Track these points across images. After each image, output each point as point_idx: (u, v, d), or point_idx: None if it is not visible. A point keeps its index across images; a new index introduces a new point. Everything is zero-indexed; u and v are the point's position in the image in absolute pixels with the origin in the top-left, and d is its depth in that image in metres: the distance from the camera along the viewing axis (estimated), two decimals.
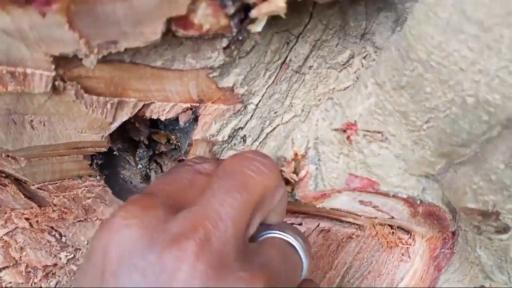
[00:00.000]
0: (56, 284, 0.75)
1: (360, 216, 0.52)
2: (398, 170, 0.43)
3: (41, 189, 0.67)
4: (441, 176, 0.43)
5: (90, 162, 0.63)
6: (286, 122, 0.48)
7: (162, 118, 0.47)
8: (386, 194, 0.44)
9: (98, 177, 0.68)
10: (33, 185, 0.67)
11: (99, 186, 0.69)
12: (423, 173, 0.43)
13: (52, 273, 0.75)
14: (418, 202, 0.44)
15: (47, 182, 0.66)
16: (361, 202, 0.48)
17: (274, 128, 0.48)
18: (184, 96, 0.44)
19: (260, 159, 0.37)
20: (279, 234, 0.37)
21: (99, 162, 0.64)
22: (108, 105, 0.44)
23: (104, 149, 0.56)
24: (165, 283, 0.29)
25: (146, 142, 0.61)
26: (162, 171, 0.69)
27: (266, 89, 0.45)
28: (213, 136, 0.46)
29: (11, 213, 0.75)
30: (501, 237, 0.42)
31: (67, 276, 0.75)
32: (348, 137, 0.43)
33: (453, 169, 0.42)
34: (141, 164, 0.64)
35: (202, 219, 0.31)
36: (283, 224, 0.40)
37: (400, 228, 0.54)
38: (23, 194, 0.69)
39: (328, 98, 0.46)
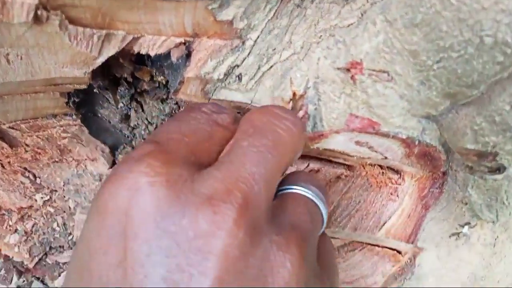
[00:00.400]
0: (33, 226, 0.72)
1: (352, 156, 0.52)
2: (401, 110, 0.42)
3: (13, 128, 0.63)
4: (442, 117, 0.42)
5: (66, 100, 0.59)
6: (284, 60, 0.46)
7: (152, 54, 0.44)
8: (385, 135, 0.44)
9: (74, 116, 0.64)
10: (4, 124, 0.62)
11: (75, 125, 0.66)
12: (425, 113, 0.42)
13: (28, 215, 0.72)
14: (416, 142, 0.44)
15: (19, 121, 0.62)
16: (357, 142, 0.47)
17: (271, 67, 0.46)
18: (177, 30, 0.41)
19: (290, 117, 0.34)
20: (301, 190, 0.36)
21: (76, 100, 0.61)
22: (95, 38, 0.40)
23: (84, 86, 0.53)
24: (199, 250, 0.26)
25: (130, 80, 0.58)
26: (143, 110, 0.66)
27: (266, 23, 0.43)
28: (208, 73, 0.44)
29: None
30: (496, 177, 0.43)
31: (43, 218, 0.73)
32: (352, 77, 0.41)
33: (455, 110, 0.41)
34: (122, 103, 0.61)
35: (236, 181, 0.28)
36: (299, 175, 0.39)
37: (389, 168, 0.54)
38: None
39: (329, 35, 0.44)
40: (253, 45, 0.43)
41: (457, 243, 0.56)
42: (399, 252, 0.61)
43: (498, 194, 0.45)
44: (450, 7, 0.33)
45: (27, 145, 0.68)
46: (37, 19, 0.36)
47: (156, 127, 0.67)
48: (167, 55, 0.45)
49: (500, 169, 0.43)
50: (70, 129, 0.66)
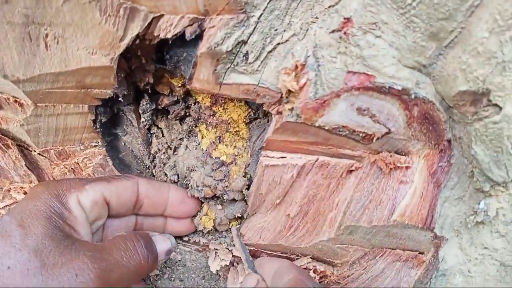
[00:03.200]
0: None
1: (358, 141, 0.54)
2: (392, 59, 0.46)
3: (42, 155, 0.68)
4: (432, 67, 0.46)
5: (94, 118, 0.64)
6: (286, 41, 0.51)
7: (169, 35, 0.50)
8: (382, 88, 0.47)
9: (99, 143, 0.69)
10: (35, 151, 0.67)
11: (100, 154, 0.70)
12: (416, 63, 0.46)
13: None
14: (413, 96, 0.47)
15: (49, 147, 0.67)
16: (359, 110, 0.50)
17: (275, 48, 0.52)
18: (191, 6, 0.48)
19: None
20: None
21: (103, 120, 0.66)
22: (121, 11, 0.47)
23: (110, 92, 0.58)
24: None
25: (150, 91, 0.64)
26: (163, 135, 0.71)
27: (267, 4, 0.49)
28: (217, 45, 0.49)
29: (10, 187, 0.75)
30: (494, 119, 0.45)
31: None
32: (345, 33, 0.46)
33: (443, 56, 0.45)
34: (144, 118, 0.66)
35: None
36: None
37: (397, 152, 0.56)
38: (24, 162, 0.69)
39: (324, 14, 0.50)
40: (257, 22, 0.49)
41: (478, 228, 0.54)
42: (421, 253, 0.59)
43: (501, 142, 0.46)
44: None
45: (53, 178, 0.72)
46: None
47: (175, 150, 0.70)
48: (182, 43, 0.52)
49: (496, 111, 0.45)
50: (95, 158, 0.71)
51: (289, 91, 0.51)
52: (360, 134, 0.53)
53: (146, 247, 0.53)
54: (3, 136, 0.65)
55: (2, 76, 0.51)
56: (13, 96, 0.57)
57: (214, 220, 0.67)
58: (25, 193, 0.74)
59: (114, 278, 0.48)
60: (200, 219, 0.67)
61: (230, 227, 0.68)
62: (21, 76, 0.52)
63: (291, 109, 0.52)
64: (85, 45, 0.50)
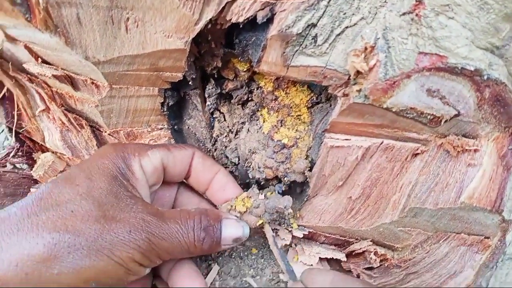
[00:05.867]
0: None
1: (425, 123, 0.54)
2: (465, 40, 0.46)
3: (112, 135, 0.72)
4: (506, 48, 0.46)
5: (162, 101, 0.67)
6: (354, 24, 0.52)
7: (241, 19, 0.52)
8: (454, 69, 0.47)
9: (165, 125, 0.72)
10: (106, 131, 0.71)
11: (165, 137, 0.73)
12: (489, 45, 0.46)
13: None
14: (485, 77, 0.47)
15: (119, 128, 0.70)
16: (429, 91, 0.50)
17: (343, 31, 0.52)
18: None
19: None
20: None
21: (170, 103, 0.69)
22: None
23: (180, 75, 0.61)
24: None
25: (216, 77, 0.66)
26: (225, 119, 0.73)
27: None
28: (288, 27, 0.51)
29: None
30: None
31: None
32: (417, 14, 0.47)
33: None
34: (210, 102, 0.68)
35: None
36: None
37: (464, 136, 0.55)
38: (95, 142, 0.73)
39: None
40: (327, 6, 0.50)
41: None
42: (487, 237, 0.58)
43: None
44: None
45: None
46: None
47: (237, 133, 0.73)
48: (252, 27, 0.54)
49: None
50: (161, 140, 0.74)
51: (358, 73, 0.52)
52: (428, 117, 0.53)
53: (205, 230, 0.54)
54: (78, 117, 0.70)
55: (84, 58, 0.54)
56: (91, 78, 0.61)
57: (248, 207, 0.65)
58: None
59: (164, 246, 0.51)
60: (236, 199, 0.65)
61: (258, 225, 0.65)
62: (101, 57, 0.55)
63: (359, 91, 0.53)
64: (162, 28, 0.53)
